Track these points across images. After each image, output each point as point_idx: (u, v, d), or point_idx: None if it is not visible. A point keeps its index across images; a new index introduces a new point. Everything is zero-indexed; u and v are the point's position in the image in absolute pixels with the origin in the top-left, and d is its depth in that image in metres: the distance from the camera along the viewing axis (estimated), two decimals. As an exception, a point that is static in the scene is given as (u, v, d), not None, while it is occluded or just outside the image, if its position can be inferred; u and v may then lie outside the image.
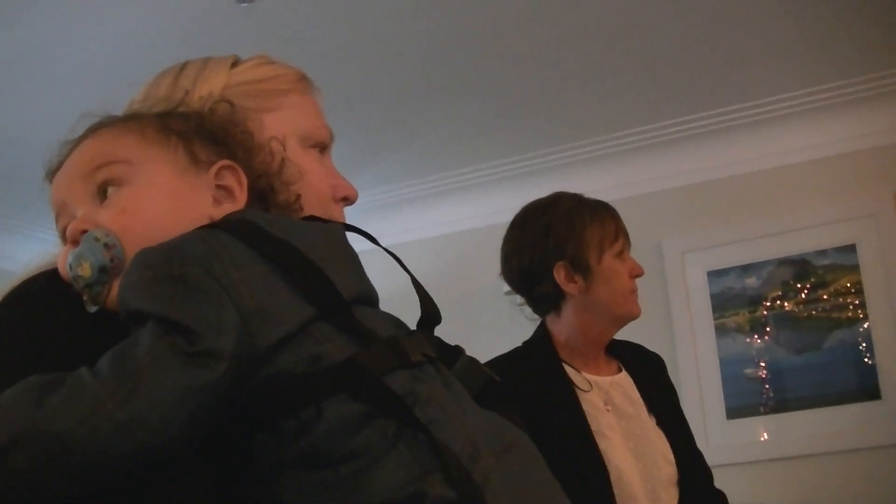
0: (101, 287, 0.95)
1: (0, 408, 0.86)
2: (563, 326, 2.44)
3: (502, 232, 5.22)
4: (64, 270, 0.98)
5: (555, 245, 2.38)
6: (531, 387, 2.28)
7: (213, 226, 0.97)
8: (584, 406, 2.30)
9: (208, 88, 1.20)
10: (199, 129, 1.06)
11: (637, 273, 2.43)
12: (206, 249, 0.91)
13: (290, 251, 0.94)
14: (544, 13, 3.60)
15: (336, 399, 0.89)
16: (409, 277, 1.13)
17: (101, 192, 1.00)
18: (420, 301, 1.06)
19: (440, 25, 3.63)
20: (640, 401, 2.41)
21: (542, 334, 2.48)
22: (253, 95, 1.22)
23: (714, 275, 4.88)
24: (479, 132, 4.78)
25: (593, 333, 2.42)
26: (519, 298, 5.04)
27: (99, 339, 0.91)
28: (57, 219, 1.03)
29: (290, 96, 1.26)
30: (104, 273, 0.94)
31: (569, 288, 2.37)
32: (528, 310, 5.03)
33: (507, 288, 5.04)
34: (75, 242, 0.97)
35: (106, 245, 0.95)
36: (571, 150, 5.01)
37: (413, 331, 1.03)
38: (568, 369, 2.36)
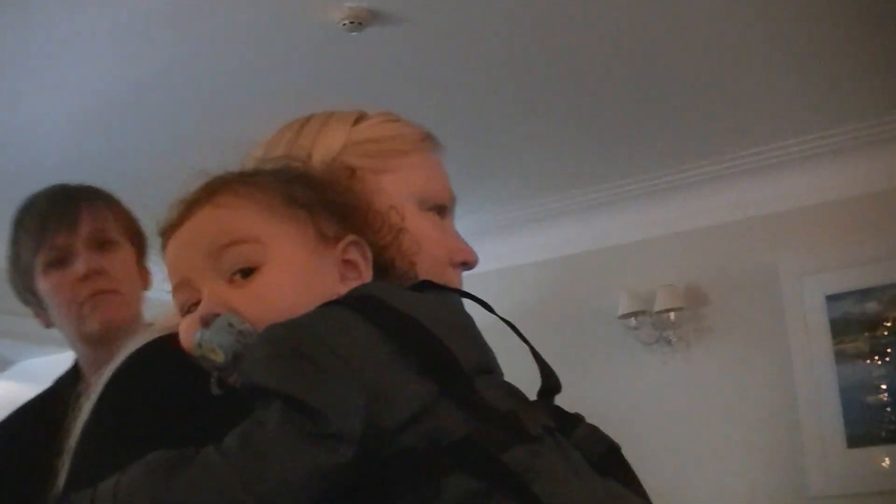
0: (231, 372, 0.94)
1: (128, 485, 0.86)
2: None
3: (609, 255, 5.25)
4: (189, 345, 0.97)
5: (14, 278, 1.92)
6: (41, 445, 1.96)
7: (339, 302, 0.95)
8: None
9: (328, 146, 1.18)
10: (324, 201, 1.03)
11: (87, 271, 1.83)
12: (333, 328, 0.90)
13: (414, 327, 0.92)
14: (645, 38, 3.57)
15: (455, 477, 0.87)
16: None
17: (230, 271, 0.98)
18: (540, 370, 1.03)
19: (542, 52, 3.63)
20: None
21: (70, 370, 1.99)
22: (373, 155, 1.19)
23: (832, 299, 4.74)
24: (583, 156, 4.76)
25: (89, 361, 1.90)
26: (633, 321, 5.04)
27: (220, 412, 0.90)
28: (176, 289, 1.01)
29: (410, 157, 1.23)
30: (236, 359, 0.93)
31: (43, 322, 1.96)
32: (642, 333, 5.03)
33: (620, 311, 5.05)
34: (206, 324, 0.96)
35: (240, 332, 0.94)
36: (681, 172, 4.96)
37: (532, 402, 1.00)
38: None
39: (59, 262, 1.83)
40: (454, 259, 1.21)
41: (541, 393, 1.02)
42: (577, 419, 1.01)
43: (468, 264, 1.24)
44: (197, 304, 0.98)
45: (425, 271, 1.12)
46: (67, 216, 1.84)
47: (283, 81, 3.75)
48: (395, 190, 1.17)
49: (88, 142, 4.17)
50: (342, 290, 1.00)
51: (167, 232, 1.03)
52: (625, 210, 5.23)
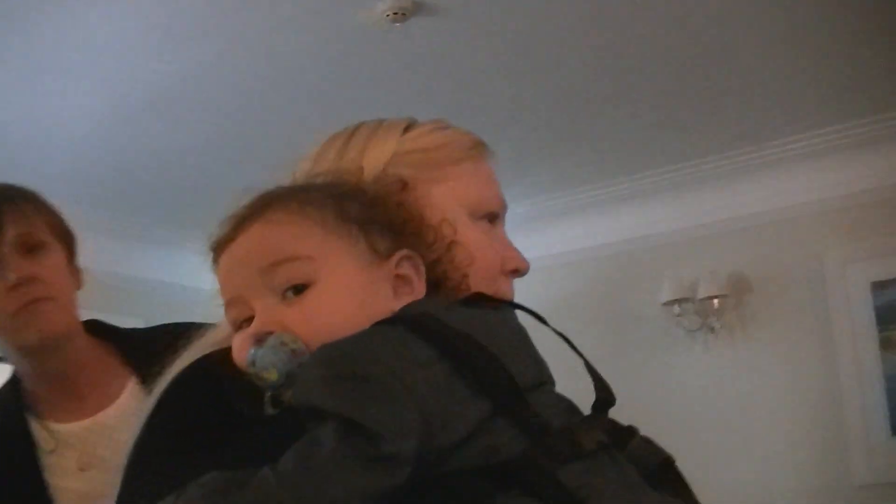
0: (284, 391, 0.94)
1: None
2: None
3: (653, 242, 5.24)
4: (242, 363, 0.97)
5: None
6: None
7: (394, 321, 0.94)
8: (48, 475, 1.71)
9: (377, 156, 1.17)
10: (376, 216, 1.03)
11: (19, 279, 1.66)
12: (388, 347, 0.89)
13: (469, 345, 0.91)
14: (694, 21, 3.57)
15: (510, 494, 0.88)
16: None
17: (283, 289, 0.98)
18: (594, 383, 1.03)
19: (587, 40, 3.63)
20: None
21: (9, 382, 1.82)
22: (423, 164, 1.18)
23: (878, 287, 4.71)
24: (629, 144, 4.77)
25: (35, 376, 1.76)
26: (677, 309, 5.04)
27: (273, 431, 0.91)
28: (228, 305, 1.01)
29: (461, 165, 1.20)
30: (290, 378, 0.93)
31: None
32: (685, 320, 5.02)
33: (664, 298, 5.05)
34: (259, 342, 0.96)
35: (293, 351, 0.94)
36: (726, 159, 4.95)
37: (587, 417, 1.00)
38: (33, 423, 1.75)
39: None
40: (505, 267, 1.20)
41: (595, 406, 1.02)
42: (630, 432, 1.00)
43: (519, 271, 1.23)
44: (249, 320, 0.98)
45: (477, 281, 1.11)
46: None
47: (326, 72, 3.79)
48: (447, 199, 1.16)
49: (126, 136, 4.24)
50: (396, 305, 0.99)
51: (219, 247, 1.03)
52: (669, 198, 5.22)
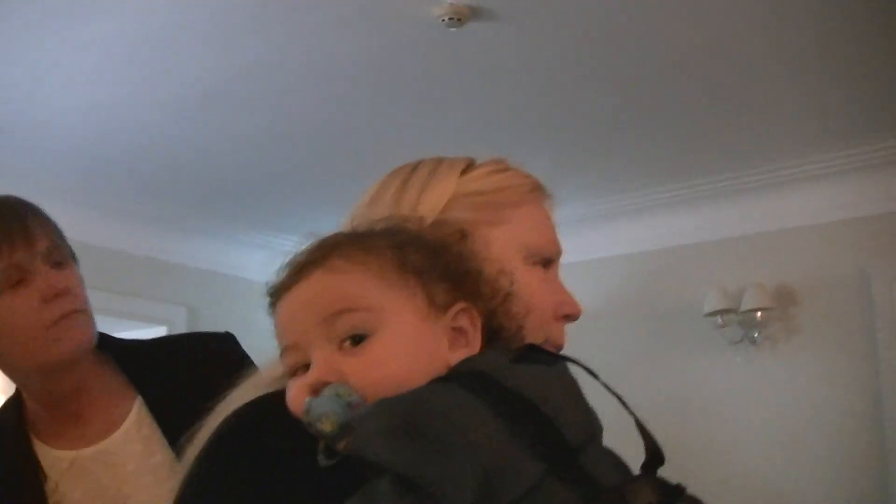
0: (339, 442, 0.93)
1: None
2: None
3: (700, 250, 5.24)
4: (297, 411, 0.97)
5: None
6: None
7: (449, 378, 0.95)
8: (52, 501, 1.68)
9: (437, 198, 1.17)
10: (435, 268, 1.03)
11: (56, 291, 1.64)
12: (445, 405, 0.89)
13: (524, 406, 0.92)
14: (731, 43, 3.59)
15: None
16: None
17: (341, 338, 0.98)
18: (644, 443, 1.02)
19: (639, 47, 3.64)
20: (157, 445, 1.70)
21: (12, 398, 1.78)
22: (482, 208, 1.18)
23: (924, 306, 4.68)
24: (678, 150, 4.76)
25: (43, 395, 1.71)
26: (719, 320, 5.03)
27: (327, 482, 0.92)
28: (286, 351, 1.01)
29: (520, 209, 1.20)
30: (345, 430, 0.92)
31: None
32: (728, 331, 5.02)
33: (708, 308, 5.05)
34: (315, 391, 0.96)
35: (349, 403, 0.94)
36: (777, 170, 4.93)
37: (636, 476, 0.99)
38: (38, 446, 1.71)
39: (16, 282, 1.61)
40: (558, 312, 1.21)
41: (644, 465, 1.01)
42: (678, 490, 0.99)
43: (571, 317, 1.23)
44: (306, 367, 0.99)
45: (531, 327, 1.12)
46: (22, 230, 1.63)
47: (380, 75, 3.82)
48: (503, 243, 1.16)
49: (182, 128, 4.31)
50: (451, 358, 1.00)
51: (278, 293, 1.03)
52: (717, 206, 5.21)
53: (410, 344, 0.98)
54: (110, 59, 3.65)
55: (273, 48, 3.61)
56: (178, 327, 5.46)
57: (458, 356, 1.00)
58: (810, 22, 3.46)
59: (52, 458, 1.69)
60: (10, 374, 1.70)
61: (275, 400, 1.02)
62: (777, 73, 3.90)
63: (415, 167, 1.22)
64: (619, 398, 1.04)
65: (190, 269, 5.69)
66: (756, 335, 5.05)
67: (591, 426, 1.00)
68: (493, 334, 1.05)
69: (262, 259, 5.86)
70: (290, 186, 5.17)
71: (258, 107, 4.13)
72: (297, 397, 0.97)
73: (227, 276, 5.87)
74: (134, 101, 4.02)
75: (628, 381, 5.54)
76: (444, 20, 3.33)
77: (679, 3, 3.32)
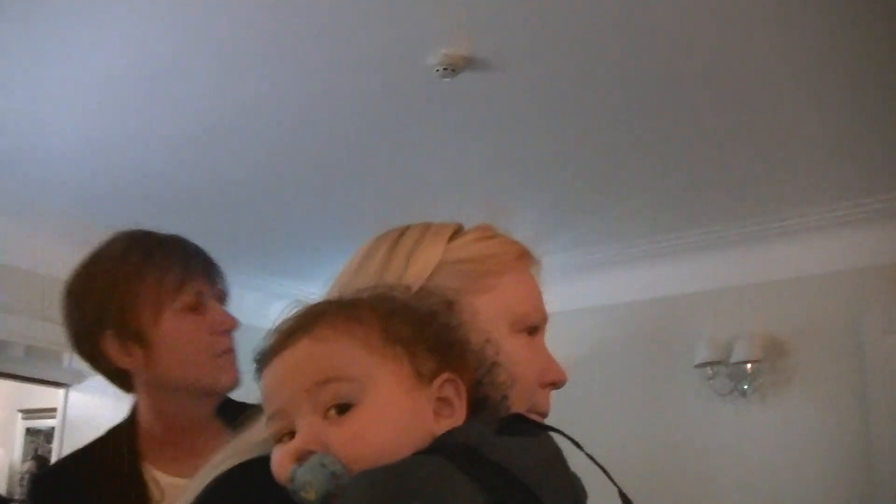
0: None
1: None
2: (143, 410, 1.84)
3: (691, 301, 5.25)
4: (281, 478, 0.98)
5: (94, 310, 1.76)
6: (91, 499, 1.75)
7: (433, 450, 0.95)
8: None
9: (423, 265, 1.17)
10: (422, 338, 1.03)
11: (227, 327, 1.81)
12: (429, 479, 0.89)
13: (507, 479, 0.92)
14: (734, 94, 3.62)
15: None
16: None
17: (326, 407, 0.98)
18: None
19: (635, 100, 3.65)
20: None
21: (126, 421, 1.86)
22: (468, 276, 1.18)
23: (917, 357, 4.67)
24: (673, 202, 4.79)
25: (174, 417, 1.81)
26: (709, 371, 5.04)
27: None
28: (271, 418, 1.02)
29: (506, 277, 1.21)
30: (328, 499, 0.93)
31: (125, 363, 1.77)
32: (717, 383, 5.02)
33: (698, 360, 5.06)
34: (300, 459, 0.96)
35: (333, 473, 0.94)
36: (771, 221, 4.96)
37: None
38: (149, 470, 1.80)
39: (193, 308, 1.76)
40: (543, 380, 1.21)
41: None
42: None
43: (557, 384, 1.23)
44: (291, 433, 0.99)
45: (516, 395, 1.11)
46: (208, 267, 1.83)
47: (376, 121, 3.84)
48: (489, 312, 1.16)
49: (186, 160, 4.31)
50: (436, 428, 1.00)
51: (264, 358, 1.04)
52: (710, 257, 5.23)
53: (395, 415, 0.98)
54: (112, 94, 3.66)
55: (274, 89, 3.62)
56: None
57: (442, 427, 1.00)
58: (803, 82, 3.50)
59: (166, 482, 1.75)
60: (161, 388, 1.77)
61: (259, 466, 1.03)
62: (767, 130, 3.92)
63: (402, 233, 1.22)
64: (603, 469, 1.05)
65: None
66: (746, 387, 5.04)
67: (576, 496, 1.00)
68: (478, 404, 1.05)
69: (254, 301, 5.85)
70: (284, 229, 5.17)
71: (253, 147, 4.14)
72: (281, 464, 0.98)
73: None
74: (131, 138, 4.03)
75: (619, 430, 5.51)
76: (438, 70, 3.35)
77: (669, 59, 3.35)
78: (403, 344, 1.01)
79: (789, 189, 4.61)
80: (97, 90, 3.62)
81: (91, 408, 5.52)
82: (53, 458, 5.70)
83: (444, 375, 1.02)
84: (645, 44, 3.26)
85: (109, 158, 4.23)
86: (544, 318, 1.24)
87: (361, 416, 0.97)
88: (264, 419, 1.02)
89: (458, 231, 1.24)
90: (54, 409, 5.94)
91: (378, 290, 1.09)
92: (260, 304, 5.82)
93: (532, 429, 1.04)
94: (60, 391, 5.78)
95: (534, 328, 1.22)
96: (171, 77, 3.53)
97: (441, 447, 0.95)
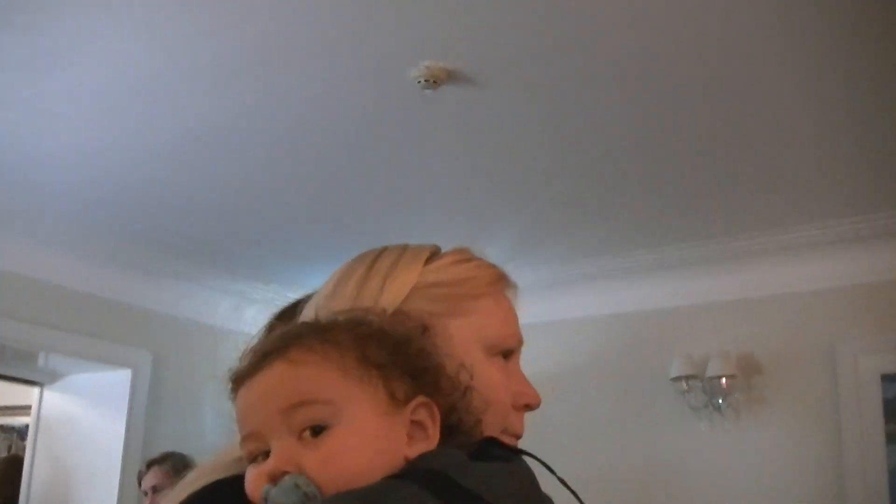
0: None
1: None
2: None
3: (667, 317, 5.28)
4: (254, 497, 0.98)
5: None
6: None
7: (405, 475, 0.96)
8: None
9: (398, 289, 1.17)
10: (397, 362, 1.04)
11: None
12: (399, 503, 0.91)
13: None
14: (719, 111, 3.65)
15: None
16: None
17: (300, 429, 0.99)
18: None
19: (614, 115, 3.68)
20: None
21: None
22: (443, 299, 1.18)
23: (888, 379, 4.70)
24: (650, 219, 4.81)
25: None
26: (684, 385, 5.05)
27: None
28: (245, 439, 1.02)
29: (482, 301, 1.20)
30: None
31: None
32: (692, 397, 5.04)
33: (673, 373, 5.08)
34: (273, 480, 0.97)
35: (306, 494, 0.95)
36: (747, 240, 4.98)
37: None
38: None
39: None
40: (517, 402, 1.21)
41: None
42: None
43: (530, 407, 1.23)
44: (265, 454, 1.00)
45: (490, 419, 1.12)
46: None
47: (357, 130, 3.84)
48: (464, 335, 1.17)
49: (166, 173, 4.32)
50: (409, 452, 1.00)
51: (238, 380, 1.04)
52: (686, 274, 5.25)
53: (369, 438, 0.99)
54: (106, 105, 3.66)
55: (257, 103, 3.62)
56: (143, 371, 5.45)
57: (416, 450, 1.00)
58: (785, 105, 3.53)
59: None
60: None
61: (233, 484, 1.03)
62: (742, 147, 3.95)
63: (378, 255, 1.22)
64: (574, 493, 1.06)
65: (156, 312, 5.64)
66: (720, 402, 5.06)
67: None
68: (452, 428, 1.05)
69: (229, 305, 5.84)
70: (264, 236, 5.18)
71: (238, 158, 4.15)
72: (255, 484, 0.98)
73: (191, 322, 5.85)
74: (120, 148, 4.03)
75: (593, 443, 5.52)
76: (419, 82, 3.35)
77: (651, 76, 3.37)
78: (378, 367, 1.01)
79: (767, 209, 4.64)
80: (93, 101, 3.62)
81: (65, 407, 5.52)
82: (28, 456, 5.71)
83: (419, 399, 1.02)
84: (627, 61, 3.28)
85: (94, 168, 4.24)
86: (520, 342, 1.24)
87: (336, 438, 0.98)
88: (238, 439, 1.02)
89: (434, 253, 1.23)
90: (28, 407, 5.92)
91: (354, 313, 1.09)
92: (234, 309, 5.84)
93: (505, 453, 1.05)
94: (35, 389, 5.76)
95: (509, 352, 1.22)
96: (159, 90, 3.54)
97: (414, 472, 0.95)
